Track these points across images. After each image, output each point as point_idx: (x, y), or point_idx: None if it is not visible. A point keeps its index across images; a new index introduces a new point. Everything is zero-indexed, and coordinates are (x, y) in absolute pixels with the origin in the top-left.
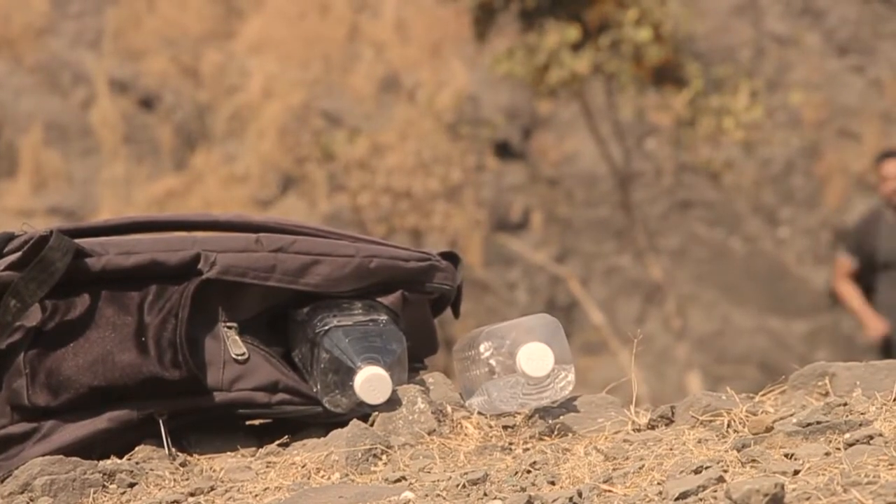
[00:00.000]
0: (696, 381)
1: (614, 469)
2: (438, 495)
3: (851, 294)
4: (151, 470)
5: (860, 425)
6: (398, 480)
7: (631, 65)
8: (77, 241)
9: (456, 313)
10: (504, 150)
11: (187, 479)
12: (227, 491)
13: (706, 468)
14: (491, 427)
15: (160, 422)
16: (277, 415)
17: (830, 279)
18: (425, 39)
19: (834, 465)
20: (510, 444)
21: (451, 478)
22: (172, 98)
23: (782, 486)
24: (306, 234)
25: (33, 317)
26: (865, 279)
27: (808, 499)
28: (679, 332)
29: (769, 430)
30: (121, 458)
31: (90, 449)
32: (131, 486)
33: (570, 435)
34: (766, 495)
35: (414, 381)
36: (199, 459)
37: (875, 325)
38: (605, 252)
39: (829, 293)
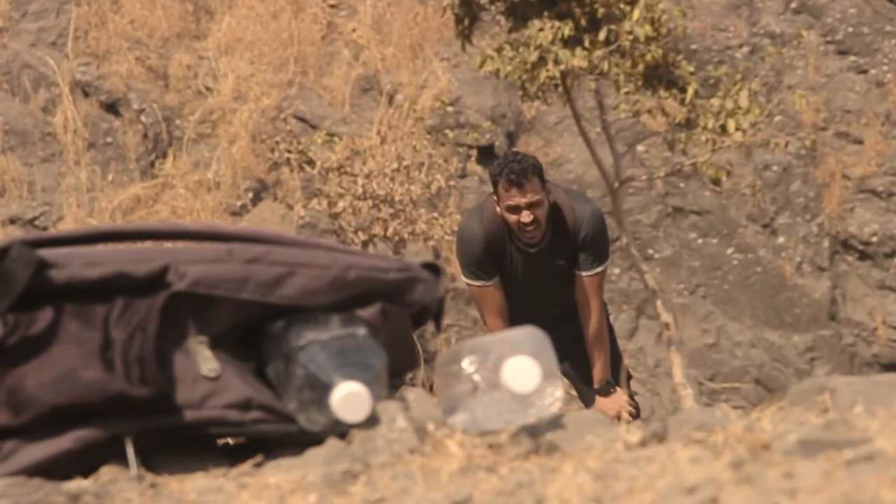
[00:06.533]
0: (690, 397)
1: (604, 489)
2: None
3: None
4: (118, 492)
5: (861, 443)
6: (377, 502)
7: (627, 63)
8: (39, 252)
9: (438, 326)
10: (488, 155)
11: (156, 502)
12: None
13: (700, 488)
14: (475, 446)
15: (127, 441)
16: (250, 433)
17: None
18: (405, 38)
19: (834, 484)
20: (495, 463)
21: (433, 499)
22: (139, 101)
23: None
24: (280, 244)
25: None
26: None
27: None
28: (673, 345)
29: (766, 447)
30: (86, 479)
31: (54, 470)
32: None
33: (558, 454)
34: None
35: (394, 397)
36: (168, 480)
37: None
38: None
39: None
